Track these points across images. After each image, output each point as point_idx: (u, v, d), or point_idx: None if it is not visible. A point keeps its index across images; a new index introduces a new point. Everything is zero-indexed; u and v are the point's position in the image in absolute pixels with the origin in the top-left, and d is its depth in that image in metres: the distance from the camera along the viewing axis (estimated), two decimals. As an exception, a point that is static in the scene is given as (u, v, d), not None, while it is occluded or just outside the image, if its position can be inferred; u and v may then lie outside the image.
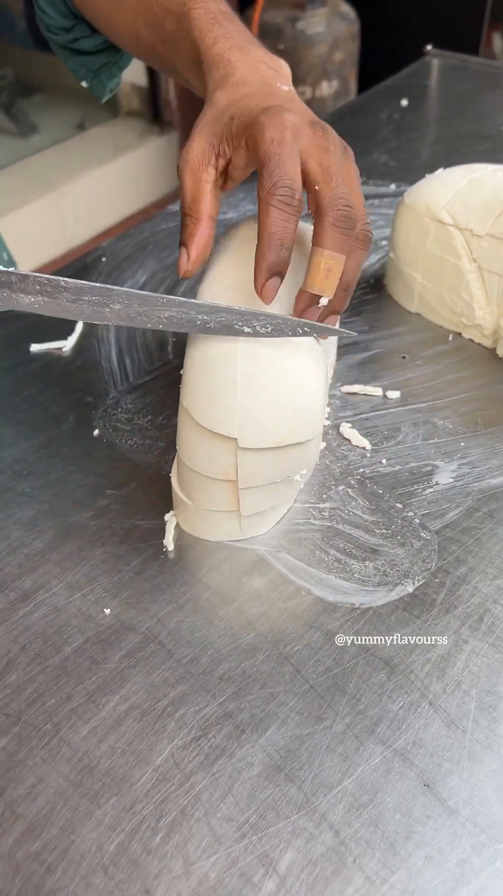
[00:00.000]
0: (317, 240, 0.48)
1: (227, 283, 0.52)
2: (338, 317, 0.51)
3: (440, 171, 0.71)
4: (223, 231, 0.59)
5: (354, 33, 2.34)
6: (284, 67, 0.56)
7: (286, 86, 0.54)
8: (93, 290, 0.48)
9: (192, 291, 0.67)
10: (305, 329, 0.48)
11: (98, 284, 0.48)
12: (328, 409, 0.63)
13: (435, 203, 0.67)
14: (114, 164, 2.55)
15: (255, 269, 0.47)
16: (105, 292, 0.48)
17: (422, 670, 0.47)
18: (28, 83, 2.61)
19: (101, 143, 2.63)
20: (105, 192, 2.57)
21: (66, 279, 0.48)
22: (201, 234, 0.51)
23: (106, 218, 2.57)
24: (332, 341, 0.63)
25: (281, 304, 0.50)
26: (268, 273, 0.47)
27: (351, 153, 0.51)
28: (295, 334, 0.48)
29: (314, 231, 0.49)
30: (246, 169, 0.52)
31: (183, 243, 0.51)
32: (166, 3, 0.59)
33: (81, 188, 2.50)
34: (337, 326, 0.51)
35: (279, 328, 0.48)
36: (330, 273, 0.48)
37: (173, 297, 0.48)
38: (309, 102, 2.36)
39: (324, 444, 0.60)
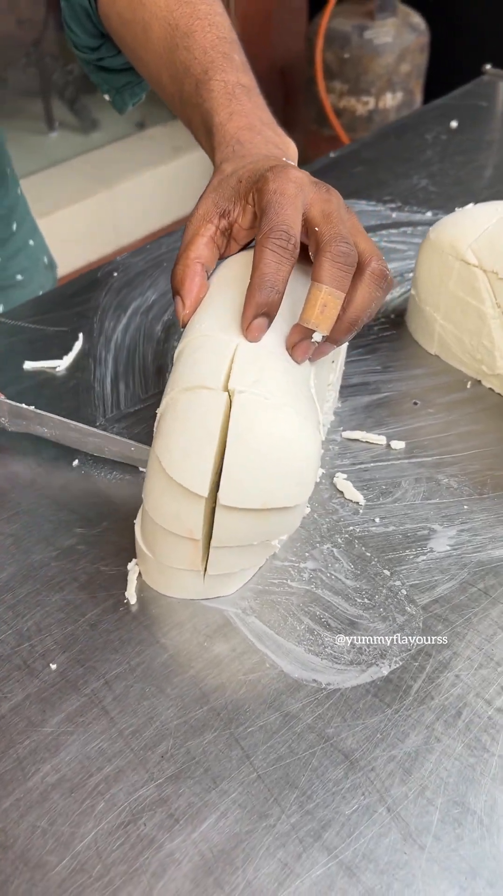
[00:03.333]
0: (314, 275, 0.47)
1: (217, 308, 0.49)
2: (333, 346, 0.49)
3: (470, 205, 0.65)
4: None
5: (423, 45, 2.28)
6: (291, 148, 0.56)
7: (291, 164, 0.52)
8: (97, 436, 0.57)
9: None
10: None
11: (101, 432, 0.57)
12: (322, 453, 0.59)
13: (460, 241, 0.62)
14: (170, 165, 2.54)
15: (244, 307, 0.47)
16: (108, 439, 0.57)
17: (385, 769, 0.42)
18: (94, 80, 2.60)
19: (159, 144, 2.61)
20: (160, 193, 2.55)
21: (74, 423, 0.57)
22: (191, 278, 0.50)
23: (159, 219, 2.55)
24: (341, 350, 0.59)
25: (277, 338, 0.47)
26: (255, 312, 0.46)
27: (354, 213, 0.51)
28: None
29: (313, 267, 0.47)
30: (250, 230, 0.51)
31: (176, 292, 0.50)
32: (189, 64, 0.60)
33: (137, 187, 2.49)
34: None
35: None
36: (325, 308, 0.46)
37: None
38: (371, 113, 2.31)
39: (314, 496, 0.56)
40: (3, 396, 0.59)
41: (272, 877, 0.38)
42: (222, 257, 0.52)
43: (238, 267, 0.52)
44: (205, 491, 0.44)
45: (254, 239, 0.51)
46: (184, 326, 0.50)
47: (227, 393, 0.44)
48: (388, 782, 0.41)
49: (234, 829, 0.40)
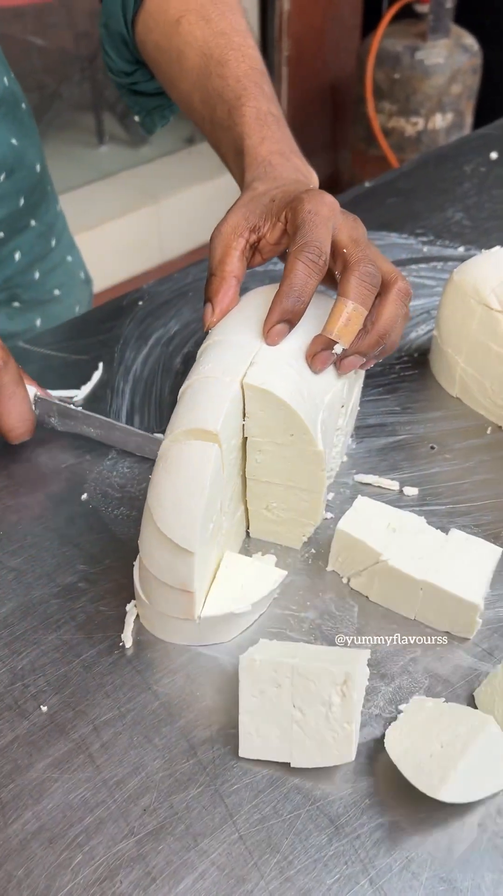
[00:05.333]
0: (341, 291, 0.50)
1: (223, 347, 0.49)
2: (362, 359, 0.52)
3: (497, 248, 0.64)
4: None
5: (476, 67, 2.26)
6: (314, 178, 0.59)
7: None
8: (138, 436, 0.59)
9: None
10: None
11: (142, 432, 0.59)
12: (332, 496, 0.58)
13: (483, 285, 0.60)
14: (218, 181, 2.55)
15: (269, 312, 0.49)
16: (149, 438, 0.59)
17: (371, 838, 0.41)
18: (145, 94, 2.62)
19: (207, 159, 2.61)
20: (206, 208, 2.56)
21: (119, 424, 0.60)
22: (226, 291, 0.53)
23: (203, 234, 2.55)
24: (359, 375, 0.59)
25: (300, 347, 0.50)
26: (278, 318, 0.49)
27: (376, 246, 0.53)
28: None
29: (339, 284, 0.50)
30: (277, 245, 0.54)
31: (208, 299, 0.53)
32: (222, 91, 0.63)
33: (183, 202, 2.51)
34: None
35: None
36: (349, 322, 0.49)
37: None
38: (420, 134, 2.29)
39: (320, 541, 0.55)
40: (52, 397, 0.61)
41: None
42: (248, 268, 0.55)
43: (248, 310, 0.51)
44: (194, 546, 0.43)
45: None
46: (206, 331, 0.53)
47: (216, 444, 0.44)
48: (373, 852, 0.40)
49: (211, 893, 0.39)
